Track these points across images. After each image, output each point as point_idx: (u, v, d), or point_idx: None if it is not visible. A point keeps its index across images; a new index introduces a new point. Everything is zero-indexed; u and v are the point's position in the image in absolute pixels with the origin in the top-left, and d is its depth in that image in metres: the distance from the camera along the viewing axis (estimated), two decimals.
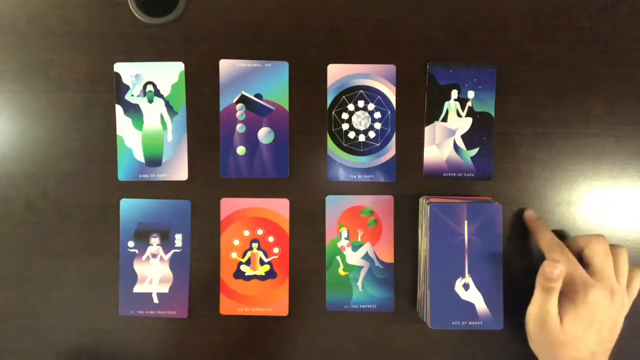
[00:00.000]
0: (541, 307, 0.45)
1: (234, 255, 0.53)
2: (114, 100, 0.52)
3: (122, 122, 0.52)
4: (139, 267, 0.52)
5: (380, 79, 0.52)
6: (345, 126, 0.53)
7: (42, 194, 0.52)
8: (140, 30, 0.52)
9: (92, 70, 0.52)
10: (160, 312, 0.52)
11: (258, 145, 0.53)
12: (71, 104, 0.52)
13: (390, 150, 0.53)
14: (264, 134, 0.53)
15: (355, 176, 0.53)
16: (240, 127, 0.53)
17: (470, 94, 0.52)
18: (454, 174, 0.52)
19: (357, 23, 0.52)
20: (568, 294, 0.45)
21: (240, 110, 0.53)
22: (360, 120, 0.53)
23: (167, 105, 0.52)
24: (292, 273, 0.53)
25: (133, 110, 0.52)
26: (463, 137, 0.52)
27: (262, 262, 0.53)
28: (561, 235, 0.52)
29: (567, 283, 0.45)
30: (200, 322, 0.53)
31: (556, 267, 0.44)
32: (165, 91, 0.52)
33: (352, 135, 0.53)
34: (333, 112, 0.53)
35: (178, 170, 0.53)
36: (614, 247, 0.48)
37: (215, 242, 0.53)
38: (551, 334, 0.45)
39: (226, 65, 0.52)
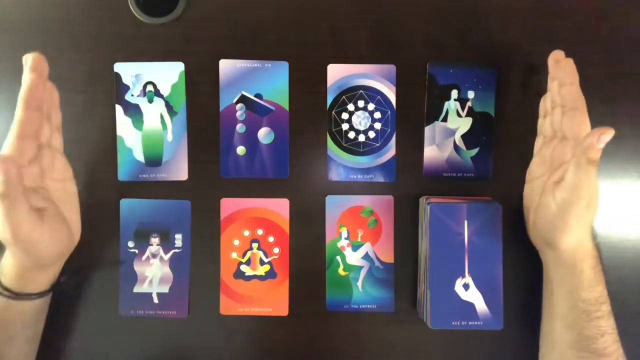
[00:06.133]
0: (579, 180, 0.39)
1: (234, 255, 0.53)
2: (114, 100, 0.52)
3: (122, 122, 0.52)
4: (139, 267, 0.52)
5: (380, 79, 0.52)
6: (345, 126, 0.53)
7: None
8: (140, 30, 0.52)
9: (92, 70, 0.52)
10: (160, 312, 0.52)
11: (258, 145, 0.53)
12: (71, 104, 0.52)
13: (390, 150, 0.53)
14: (264, 134, 0.53)
15: (355, 176, 0.53)
16: (240, 127, 0.53)
17: (470, 94, 0.52)
18: (454, 174, 0.52)
19: (357, 23, 0.52)
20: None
21: (240, 110, 0.53)
22: (360, 120, 0.53)
23: (167, 105, 0.52)
24: (292, 273, 0.53)
25: (133, 110, 0.52)
26: (463, 137, 0.52)
27: (262, 262, 0.53)
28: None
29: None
30: (200, 322, 0.53)
31: (607, 133, 0.36)
32: (165, 91, 0.52)
33: (352, 135, 0.53)
34: (333, 112, 0.53)
35: (178, 170, 0.53)
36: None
37: (215, 242, 0.53)
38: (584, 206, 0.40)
39: (226, 65, 0.52)
